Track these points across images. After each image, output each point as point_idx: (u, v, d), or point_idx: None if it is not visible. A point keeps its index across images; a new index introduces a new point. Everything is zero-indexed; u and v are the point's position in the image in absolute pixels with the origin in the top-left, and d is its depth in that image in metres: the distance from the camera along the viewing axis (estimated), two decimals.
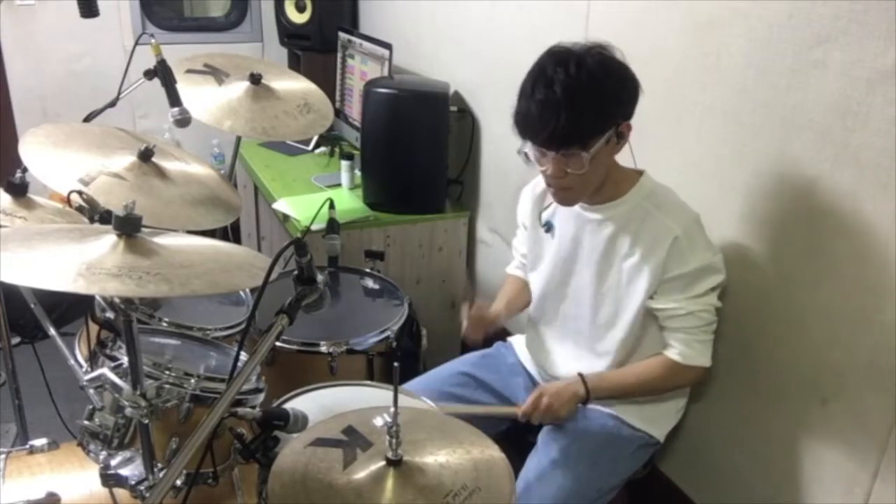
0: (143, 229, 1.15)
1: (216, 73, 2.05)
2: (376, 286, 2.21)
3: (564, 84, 1.38)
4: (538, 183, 1.71)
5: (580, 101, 1.38)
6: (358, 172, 2.72)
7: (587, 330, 1.67)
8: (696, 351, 1.56)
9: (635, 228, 1.53)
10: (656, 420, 1.70)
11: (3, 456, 1.51)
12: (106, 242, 1.11)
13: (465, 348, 1.93)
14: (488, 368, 1.85)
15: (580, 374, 1.62)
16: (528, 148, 1.47)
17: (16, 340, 2.15)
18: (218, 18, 3.86)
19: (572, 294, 1.69)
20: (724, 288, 1.59)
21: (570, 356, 1.72)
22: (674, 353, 1.57)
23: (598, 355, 1.66)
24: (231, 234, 3.33)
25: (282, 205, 2.59)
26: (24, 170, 1.60)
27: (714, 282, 1.52)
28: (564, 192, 1.52)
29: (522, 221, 1.80)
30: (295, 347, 1.88)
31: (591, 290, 1.63)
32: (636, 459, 1.70)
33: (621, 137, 1.47)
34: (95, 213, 1.50)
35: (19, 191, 1.72)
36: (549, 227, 1.69)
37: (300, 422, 1.24)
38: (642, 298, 1.54)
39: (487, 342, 1.87)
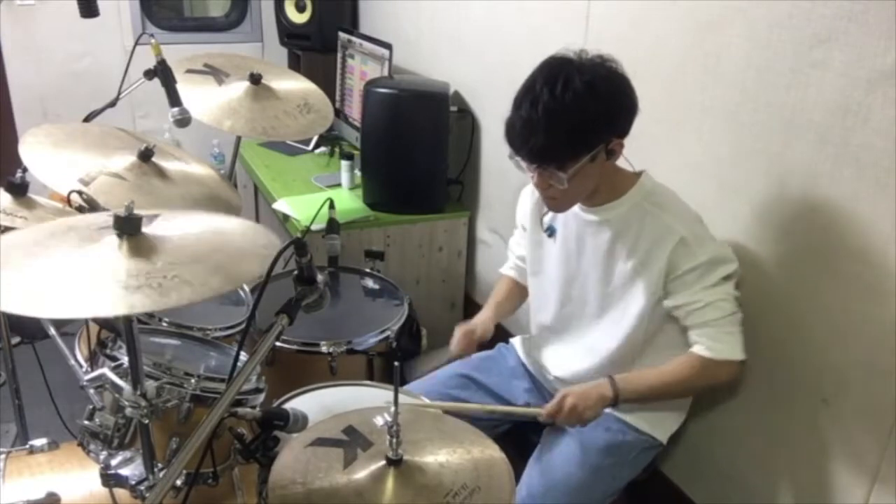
0: (134, 212, 1.07)
1: (216, 73, 2.05)
2: (376, 286, 2.21)
3: (547, 105, 1.37)
4: None
5: (559, 125, 1.38)
6: (358, 172, 2.72)
7: (592, 331, 1.66)
8: (725, 344, 1.49)
9: (636, 228, 1.53)
10: (660, 423, 1.69)
11: (3, 456, 1.51)
12: (109, 246, 1.04)
13: None
14: (488, 371, 1.84)
15: (609, 377, 1.55)
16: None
17: (16, 340, 2.14)
18: (218, 18, 3.86)
19: (577, 296, 1.67)
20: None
21: (571, 357, 1.71)
22: (701, 348, 1.50)
23: (599, 356, 1.64)
24: None
25: (282, 205, 2.59)
26: (24, 170, 1.60)
27: (727, 270, 1.49)
28: (552, 200, 1.53)
29: (521, 223, 1.79)
30: (295, 347, 1.88)
31: (598, 291, 1.61)
32: (639, 463, 1.68)
33: (612, 154, 1.46)
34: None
35: (19, 191, 1.71)
36: (551, 231, 1.68)
37: (300, 422, 1.24)
38: (645, 298, 1.53)
39: (482, 347, 1.87)
